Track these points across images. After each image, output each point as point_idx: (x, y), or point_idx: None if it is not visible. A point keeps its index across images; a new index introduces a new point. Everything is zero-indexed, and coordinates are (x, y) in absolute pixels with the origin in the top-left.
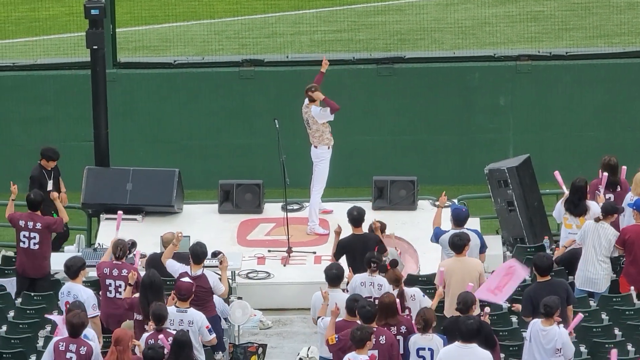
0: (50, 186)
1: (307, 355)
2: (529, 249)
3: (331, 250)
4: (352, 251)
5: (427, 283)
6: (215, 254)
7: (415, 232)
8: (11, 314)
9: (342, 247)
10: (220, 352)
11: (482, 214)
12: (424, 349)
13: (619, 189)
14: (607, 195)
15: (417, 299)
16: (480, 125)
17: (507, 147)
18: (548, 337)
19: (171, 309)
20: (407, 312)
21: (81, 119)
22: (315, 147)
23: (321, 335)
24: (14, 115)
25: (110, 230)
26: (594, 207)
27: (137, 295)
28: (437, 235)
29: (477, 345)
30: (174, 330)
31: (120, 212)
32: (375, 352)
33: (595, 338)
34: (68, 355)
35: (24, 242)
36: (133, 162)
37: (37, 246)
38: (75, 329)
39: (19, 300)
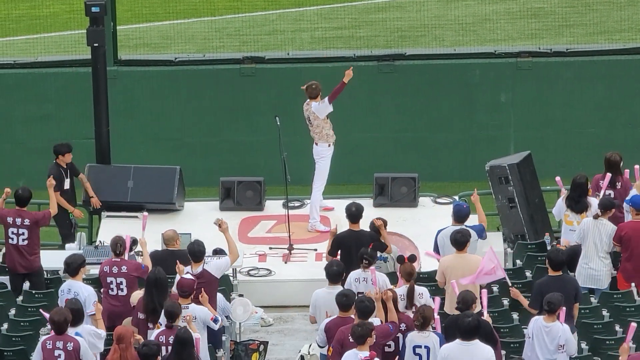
0: (67, 184)
1: (309, 352)
2: (529, 246)
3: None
4: (347, 247)
5: (428, 280)
6: (216, 252)
7: (416, 229)
8: (12, 311)
9: (337, 243)
10: (221, 350)
11: (483, 211)
12: (420, 346)
13: (619, 186)
14: (608, 192)
15: (424, 298)
16: (481, 122)
17: (508, 143)
18: (552, 333)
19: None
20: (413, 308)
21: (82, 117)
22: (316, 144)
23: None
24: (15, 113)
25: (111, 228)
26: (595, 204)
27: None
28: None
29: (478, 341)
30: (178, 327)
31: (145, 213)
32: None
33: (596, 334)
34: (56, 352)
35: (12, 239)
36: (134, 159)
37: (25, 242)
38: (59, 326)
39: (20, 298)
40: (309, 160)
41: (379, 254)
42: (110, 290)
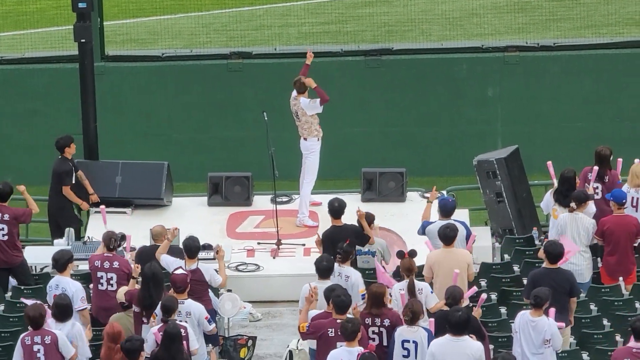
0: (74, 178)
1: (297, 347)
2: (517, 240)
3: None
4: (333, 243)
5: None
6: (204, 247)
7: (404, 224)
8: (1, 307)
9: (324, 240)
10: (210, 345)
11: (471, 205)
12: (408, 341)
13: (607, 180)
14: (596, 185)
15: (423, 293)
16: (469, 117)
17: (495, 138)
18: (537, 328)
19: None
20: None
21: (70, 113)
22: (305, 139)
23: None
24: (2, 109)
25: (99, 224)
26: None
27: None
28: (423, 227)
29: (468, 337)
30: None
31: (102, 206)
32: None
33: (584, 329)
34: (35, 347)
35: None
36: (122, 155)
37: (6, 237)
38: (35, 321)
39: (9, 294)
40: (296, 155)
41: (367, 247)
42: (99, 285)
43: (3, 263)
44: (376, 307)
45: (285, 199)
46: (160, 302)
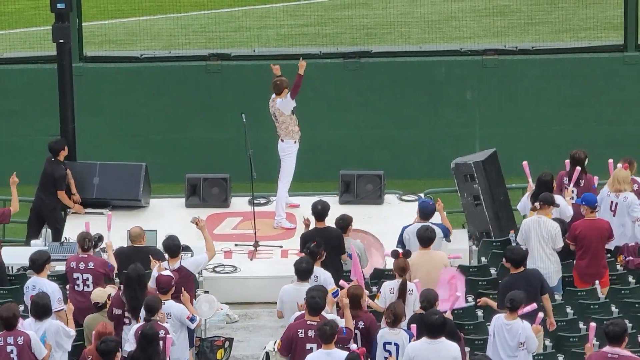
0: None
1: (274, 349)
2: (494, 243)
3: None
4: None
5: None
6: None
7: (382, 226)
8: None
9: (304, 241)
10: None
11: (448, 208)
12: (390, 343)
13: (582, 183)
14: (572, 189)
15: (414, 294)
16: (447, 120)
17: (473, 141)
18: (512, 331)
19: None
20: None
21: (47, 113)
22: (282, 140)
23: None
24: None
25: (76, 224)
26: (560, 200)
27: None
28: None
29: (445, 339)
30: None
31: (109, 212)
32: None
33: (560, 331)
34: (8, 348)
35: None
36: (100, 156)
37: None
38: (8, 322)
39: None
40: (274, 157)
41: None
42: (76, 286)
43: None
44: (353, 308)
45: (263, 201)
46: (143, 302)
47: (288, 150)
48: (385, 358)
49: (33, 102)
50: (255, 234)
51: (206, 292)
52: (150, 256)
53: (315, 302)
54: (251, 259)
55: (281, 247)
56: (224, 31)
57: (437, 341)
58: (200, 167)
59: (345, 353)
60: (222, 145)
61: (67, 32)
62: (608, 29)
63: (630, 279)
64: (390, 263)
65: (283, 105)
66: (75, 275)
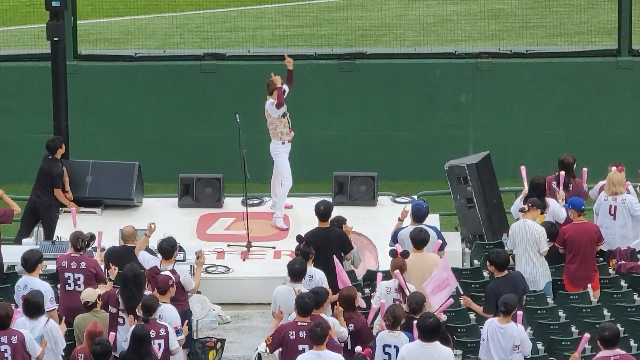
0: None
1: (266, 350)
2: (487, 246)
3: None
4: (314, 244)
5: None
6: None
7: (375, 228)
8: None
9: (306, 239)
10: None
11: (441, 210)
12: (390, 345)
13: (570, 187)
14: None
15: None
16: (441, 122)
17: (467, 144)
18: (507, 334)
19: None
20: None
21: (41, 111)
22: (271, 140)
23: None
24: None
25: (68, 223)
26: (553, 204)
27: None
28: (395, 234)
29: (439, 343)
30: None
31: (73, 208)
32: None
33: (552, 335)
34: (2, 347)
35: None
36: (93, 154)
37: None
38: (1, 322)
39: None
40: (268, 157)
41: None
42: (67, 286)
43: None
44: (346, 310)
45: (256, 201)
46: (141, 302)
47: (275, 151)
48: None
49: (27, 99)
50: (248, 234)
51: (198, 292)
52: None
53: (304, 302)
54: (244, 260)
55: (274, 248)
56: (219, 31)
57: (432, 344)
58: (193, 167)
59: (336, 355)
60: (216, 145)
61: (62, 30)
62: (602, 34)
63: (623, 282)
64: (383, 264)
65: (270, 108)
66: (66, 274)
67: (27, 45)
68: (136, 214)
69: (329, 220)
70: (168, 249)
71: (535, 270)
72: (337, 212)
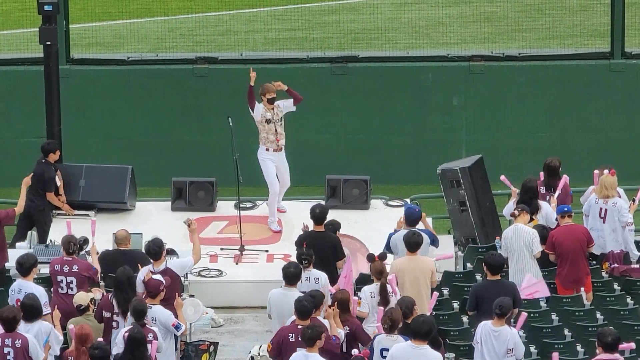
0: (59, 181)
1: (259, 353)
2: (480, 249)
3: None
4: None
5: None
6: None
7: (368, 232)
8: None
9: (300, 242)
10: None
11: (434, 213)
12: (387, 349)
13: (558, 192)
14: (548, 197)
15: (394, 297)
16: (433, 125)
17: (459, 147)
18: (500, 337)
19: None
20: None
21: (34, 115)
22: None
23: None
24: None
25: (61, 227)
26: (545, 206)
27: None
28: (388, 240)
29: (429, 346)
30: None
31: (94, 218)
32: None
33: (545, 338)
34: (6, 350)
35: None
36: (86, 158)
37: None
38: (8, 324)
39: None
40: None
41: None
42: (60, 289)
43: None
44: (341, 312)
45: (249, 205)
46: (131, 306)
47: (259, 156)
48: None
49: (19, 104)
50: (241, 238)
51: (191, 295)
52: (138, 263)
53: (302, 305)
54: (237, 263)
55: (267, 251)
56: (211, 35)
57: (422, 347)
58: (186, 171)
59: None
60: (209, 149)
61: (54, 34)
62: (595, 36)
63: (616, 286)
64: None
65: (256, 110)
66: (59, 278)
67: (19, 49)
68: (129, 218)
69: (324, 223)
70: (155, 249)
71: (534, 271)
72: (329, 215)
